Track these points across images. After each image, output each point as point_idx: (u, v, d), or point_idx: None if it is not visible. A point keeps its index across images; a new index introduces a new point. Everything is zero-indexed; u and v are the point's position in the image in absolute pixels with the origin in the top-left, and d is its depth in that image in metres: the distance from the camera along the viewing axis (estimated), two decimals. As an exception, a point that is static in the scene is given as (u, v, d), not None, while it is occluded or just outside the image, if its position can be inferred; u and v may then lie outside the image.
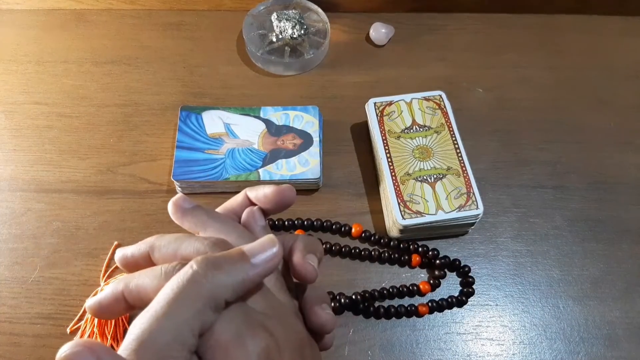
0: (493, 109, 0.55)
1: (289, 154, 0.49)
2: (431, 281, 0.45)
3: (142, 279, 0.23)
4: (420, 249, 0.46)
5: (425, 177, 0.46)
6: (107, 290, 0.24)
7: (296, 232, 0.47)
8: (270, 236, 0.24)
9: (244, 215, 0.28)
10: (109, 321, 0.42)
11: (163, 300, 0.20)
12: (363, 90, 0.56)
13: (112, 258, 0.46)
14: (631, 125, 0.55)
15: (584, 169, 0.52)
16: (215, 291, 0.21)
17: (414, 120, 0.49)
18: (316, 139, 0.50)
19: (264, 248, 0.23)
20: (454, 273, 0.46)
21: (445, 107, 0.50)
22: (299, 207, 0.49)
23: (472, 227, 0.47)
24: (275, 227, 0.47)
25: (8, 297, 0.44)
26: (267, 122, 0.51)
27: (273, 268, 0.23)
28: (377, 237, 0.47)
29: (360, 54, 0.59)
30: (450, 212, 0.44)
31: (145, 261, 0.25)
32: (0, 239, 0.47)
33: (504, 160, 0.52)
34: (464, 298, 0.44)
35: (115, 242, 0.46)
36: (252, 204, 0.29)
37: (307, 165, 0.49)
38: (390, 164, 0.46)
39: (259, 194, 0.28)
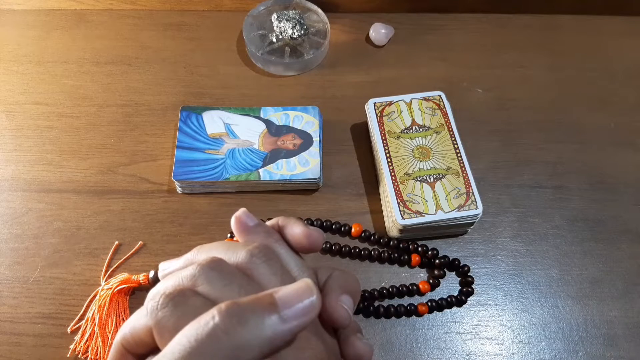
0: (493, 109, 0.56)
1: (289, 154, 0.49)
2: (431, 281, 0.45)
3: (133, 321, 0.21)
4: (419, 249, 0.46)
5: (424, 177, 0.46)
6: (110, 353, 0.22)
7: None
8: (307, 282, 0.21)
9: (232, 224, 0.26)
10: (110, 321, 0.42)
11: (178, 352, 0.18)
12: (363, 90, 0.56)
13: (112, 258, 0.46)
14: (631, 125, 0.55)
15: (584, 169, 0.52)
16: (237, 352, 0.18)
17: (413, 121, 0.49)
18: (316, 139, 0.50)
19: (299, 297, 0.20)
20: (454, 273, 0.46)
21: (444, 107, 0.50)
22: (299, 207, 0.49)
23: (472, 227, 0.47)
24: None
25: (9, 296, 0.44)
26: (268, 122, 0.52)
27: (308, 322, 0.20)
28: (376, 237, 0.47)
29: (360, 54, 0.59)
30: (449, 212, 0.44)
31: None
32: (1, 239, 0.47)
33: (503, 160, 0.52)
34: (463, 297, 0.44)
35: (116, 242, 0.47)
36: (280, 231, 0.27)
37: (307, 165, 0.49)
38: (389, 164, 0.47)
39: (289, 228, 0.26)
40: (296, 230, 0.26)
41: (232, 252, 0.23)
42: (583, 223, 0.49)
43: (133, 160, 0.51)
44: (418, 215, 0.44)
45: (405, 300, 0.45)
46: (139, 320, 0.21)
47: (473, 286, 0.45)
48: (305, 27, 0.58)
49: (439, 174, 0.46)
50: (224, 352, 0.18)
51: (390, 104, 0.50)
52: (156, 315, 0.20)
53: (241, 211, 0.26)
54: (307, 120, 0.52)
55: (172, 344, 0.18)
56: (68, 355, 0.42)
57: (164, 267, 0.26)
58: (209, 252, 0.24)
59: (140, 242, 0.47)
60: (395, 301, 0.45)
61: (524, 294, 0.45)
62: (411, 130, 0.49)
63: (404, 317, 0.44)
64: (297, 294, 0.20)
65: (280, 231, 0.26)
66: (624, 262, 0.47)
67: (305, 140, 0.50)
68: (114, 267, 0.46)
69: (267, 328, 0.19)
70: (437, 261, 0.46)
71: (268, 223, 0.27)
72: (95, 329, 0.42)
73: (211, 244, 0.25)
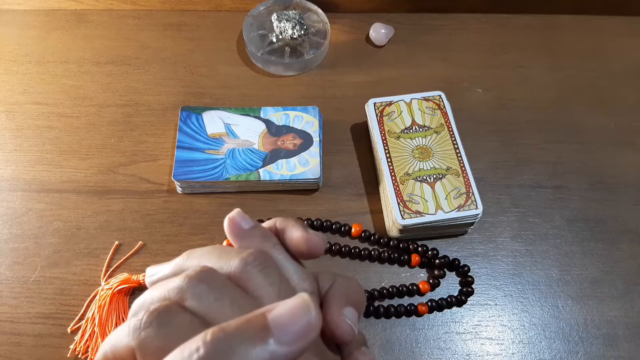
0: (493, 109, 0.56)
1: (289, 154, 0.49)
2: (431, 281, 0.45)
3: (114, 339, 0.19)
4: (419, 249, 0.46)
5: (424, 177, 0.46)
6: None
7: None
8: (304, 298, 0.17)
9: (225, 226, 0.24)
10: (110, 321, 0.42)
11: None
12: (363, 90, 0.56)
13: (112, 258, 0.46)
14: (631, 125, 0.55)
15: (584, 169, 0.52)
16: None
17: (413, 121, 0.49)
18: (316, 139, 0.50)
19: (295, 317, 0.17)
20: (454, 273, 0.46)
21: (444, 107, 0.50)
22: (299, 207, 0.49)
23: (472, 227, 0.47)
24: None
25: (9, 296, 0.44)
26: (268, 122, 0.52)
27: (307, 346, 0.17)
28: (376, 237, 0.47)
29: (360, 54, 0.59)
30: (449, 212, 0.44)
31: None
32: (1, 239, 0.47)
33: (503, 160, 0.52)
34: (463, 297, 0.44)
35: (116, 242, 0.47)
36: (278, 235, 0.24)
37: (307, 165, 0.49)
38: (389, 164, 0.47)
39: (287, 231, 0.24)
40: (295, 234, 0.23)
41: (224, 261, 0.21)
42: (583, 223, 0.49)
43: (133, 160, 0.51)
44: (418, 215, 0.44)
45: (405, 300, 0.45)
46: (120, 340, 0.19)
47: (473, 286, 0.45)
48: (305, 27, 0.58)
49: (439, 174, 0.46)
50: None
51: (390, 104, 0.50)
52: (139, 336, 0.18)
53: (235, 212, 0.24)
54: (307, 120, 0.52)
55: None
56: (68, 355, 0.42)
57: (152, 272, 0.24)
58: (200, 258, 0.22)
59: (140, 242, 0.47)
60: (395, 301, 0.45)
61: (524, 294, 0.45)
62: (411, 130, 0.49)
63: (404, 317, 0.44)
64: (293, 314, 0.17)
65: (278, 234, 0.24)
66: (624, 262, 0.47)
67: (305, 140, 0.50)
68: (114, 267, 0.46)
69: (258, 358, 0.16)
70: (437, 261, 0.46)
71: (265, 224, 0.25)
72: (95, 329, 0.42)
73: (202, 249, 0.23)
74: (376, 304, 0.44)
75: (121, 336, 0.19)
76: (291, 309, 0.17)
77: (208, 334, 0.16)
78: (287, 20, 0.57)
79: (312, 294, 0.23)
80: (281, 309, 0.17)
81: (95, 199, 0.49)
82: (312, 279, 0.23)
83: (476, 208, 0.44)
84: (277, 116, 0.52)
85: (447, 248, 0.47)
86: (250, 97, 0.56)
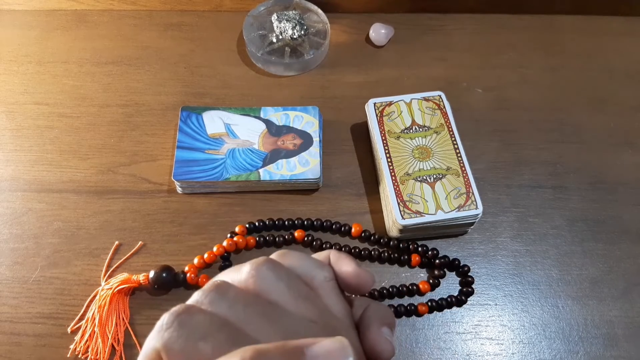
0: (493, 109, 0.56)
1: (289, 154, 0.49)
2: (431, 281, 0.45)
3: (144, 346, 0.20)
4: (419, 249, 0.46)
5: (424, 177, 0.46)
6: None
7: (296, 232, 0.47)
8: (342, 342, 0.18)
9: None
10: (110, 321, 0.42)
11: None
12: (363, 90, 0.56)
13: (112, 258, 0.46)
14: (631, 125, 0.55)
15: (584, 169, 0.52)
16: None
17: (413, 121, 0.49)
18: (316, 139, 0.50)
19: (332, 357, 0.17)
20: (454, 273, 0.46)
21: (444, 107, 0.50)
22: (299, 207, 0.49)
23: (472, 227, 0.47)
24: (275, 227, 0.47)
25: (9, 296, 0.44)
26: (268, 123, 0.52)
27: None
28: (376, 237, 0.47)
29: (360, 54, 0.59)
30: (449, 212, 0.44)
31: None
32: (1, 239, 0.47)
33: (503, 160, 0.52)
34: (463, 297, 0.44)
35: (116, 242, 0.47)
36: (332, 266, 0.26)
37: (307, 165, 0.49)
38: (389, 164, 0.47)
39: (338, 264, 0.25)
40: (345, 268, 0.25)
41: (237, 271, 0.23)
42: (583, 223, 0.49)
43: (133, 160, 0.51)
44: (418, 215, 0.44)
45: (405, 300, 0.45)
46: (148, 343, 0.20)
47: (473, 286, 0.45)
48: (305, 27, 0.58)
49: (439, 174, 0.46)
50: None
51: (390, 104, 0.50)
52: (162, 336, 0.19)
53: None
54: (307, 120, 0.52)
55: None
56: (68, 355, 0.42)
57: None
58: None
59: (140, 242, 0.47)
60: (395, 301, 0.45)
61: (524, 294, 0.45)
62: (411, 130, 0.49)
63: (404, 317, 0.44)
64: (331, 356, 0.17)
65: (331, 265, 0.26)
66: (624, 261, 0.47)
67: (305, 140, 0.50)
68: (114, 267, 0.46)
69: None
70: (437, 261, 0.46)
71: (321, 254, 0.26)
72: (95, 329, 0.42)
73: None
74: (376, 304, 0.44)
75: (148, 340, 0.20)
76: (329, 351, 0.17)
77: (247, 352, 0.17)
78: (287, 20, 0.57)
79: (330, 280, 0.24)
80: (319, 349, 0.17)
81: (95, 199, 0.49)
82: (329, 268, 0.25)
83: (476, 208, 0.44)
84: (277, 116, 0.52)
85: (447, 248, 0.47)
86: (250, 97, 0.56)
